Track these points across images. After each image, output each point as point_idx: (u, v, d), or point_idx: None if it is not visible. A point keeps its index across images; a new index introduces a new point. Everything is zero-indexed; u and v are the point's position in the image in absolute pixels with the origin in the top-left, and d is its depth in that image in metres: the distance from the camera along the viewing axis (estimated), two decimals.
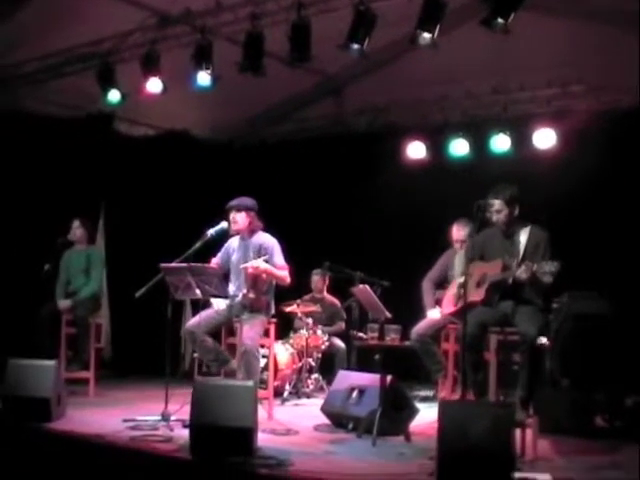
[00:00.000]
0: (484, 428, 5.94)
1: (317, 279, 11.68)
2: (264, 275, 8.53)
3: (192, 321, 8.60)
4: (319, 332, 10.78)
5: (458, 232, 9.53)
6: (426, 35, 8.12)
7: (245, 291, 8.54)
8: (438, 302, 9.25)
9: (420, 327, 9.27)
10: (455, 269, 8.49)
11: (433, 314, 9.37)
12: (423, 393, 10.07)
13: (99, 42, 10.12)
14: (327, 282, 11.68)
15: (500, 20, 7.77)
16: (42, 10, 9.58)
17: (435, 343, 9.28)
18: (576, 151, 10.64)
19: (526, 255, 7.36)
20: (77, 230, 10.37)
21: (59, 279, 10.31)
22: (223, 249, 8.94)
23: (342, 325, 11.48)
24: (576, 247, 9.96)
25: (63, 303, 10.05)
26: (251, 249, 8.67)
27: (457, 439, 5.98)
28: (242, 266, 8.52)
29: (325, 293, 11.71)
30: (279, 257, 8.66)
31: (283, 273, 8.62)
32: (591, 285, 8.96)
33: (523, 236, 7.49)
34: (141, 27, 9.78)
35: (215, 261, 8.85)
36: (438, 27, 8.06)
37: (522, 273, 7.11)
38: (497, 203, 7.52)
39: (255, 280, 8.52)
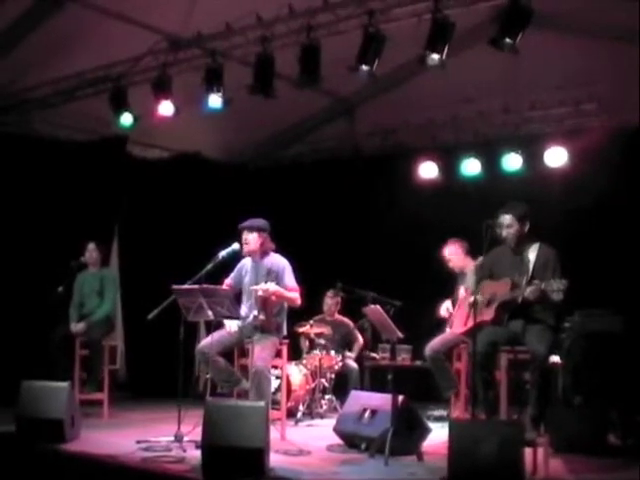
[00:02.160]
0: (494, 447, 5.95)
1: (330, 302, 11.65)
2: (274, 297, 8.54)
3: (204, 342, 8.61)
4: (332, 353, 10.79)
5: (445, 250, 9.67)
6: (435, 56, 8.14)
7: (256, 313, 8.57)
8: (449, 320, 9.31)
9: (434, 343, 9.27)
10: (465, 284, 8.56)
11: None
12: (436, 413, 10.04)
13: (111, 66, 10.19)
14: (339, 304, 11.68)
15: (508, 40, 7.80)
16: (54, 34, 9.66)
17: (447, 360, 9.28)
18: (588, 170, 10.63)
19: (535, 273, 7.38)
20: (92, 253, 10.43)
21: (72, 301, 10.36)
22: (236, 270, 8.96)
23: (360, 344, 11.43)
24: (588, 265, 9.99)
25: (76, 326, 10.09)
26: (262, 271, 8.69)
27: (467, 458, 6.00)
28: (252, 288, 8.55)
29: (336, 315, 11.69)
30: (290, 278, 8.67)
31: (293, 295, 8.63)
32: (603, 303, 8.95)
33: (532, 254, 7.52)
34: (152, 51, 9.84)
35: (227, 282, 8.87)
36: (447, 48, 8.08)
37: (531, 293, 7.14)
38: (508, 218, 7.59)
39: (265, 302, 8.54)
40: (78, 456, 7.46)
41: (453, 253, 9.69)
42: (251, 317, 8.57)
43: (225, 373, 8.52)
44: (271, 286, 8.44)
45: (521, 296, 7.24)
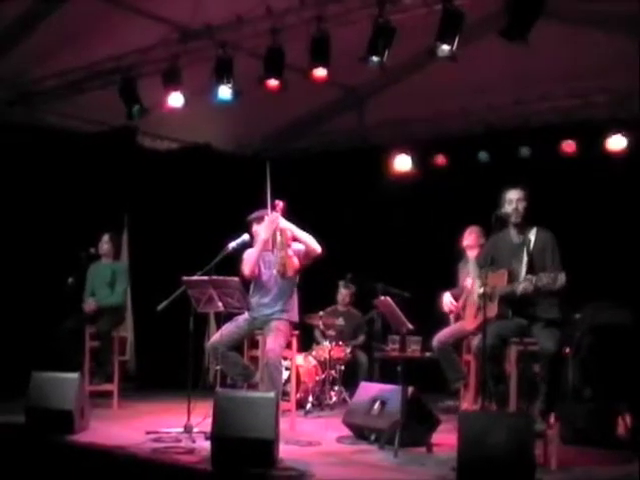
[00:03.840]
0: (503, 438, 5.95)
1: (345, 293, 11.69)
2: (288, 232, 8.51)
3: (214, 337, 8.60)
4: (342, 344, 10.81)
5: (466, 239, 9.60)
6: (445, 47, 8.12)
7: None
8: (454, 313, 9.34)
9: (442, 335, 9.27)
10: (471, 275, 8.57)
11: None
12: (446, 404, 10.05)
13: (121, 57, 10.17)
14: (354, 295, 11.70)
15: (519, 31, 7.77)
16: (63, 25, 9.65)
17: (456, 351, 9.27)
18: (599, 160, 10.63)
19: (534, 259, 7.39)
20: (105, 244, 10.50)
21: (85, 290, 10.41)
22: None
23: (364, 337, 11.49)
24: (597, 257, 9.97)
25: (88, 304, 10.15)
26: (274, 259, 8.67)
27: (477, 450, 6.01)
28: (271, 219, 8.50)
29: (350, 306, 11.72)
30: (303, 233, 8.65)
31: (310, 237, 8.59)
32: (613, 295, 8.93)
33: (531, 239, 7.53)
34: (162, 42, 9.83)
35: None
36: (457, 39, 8.06)
37: (524, 289, 7.15)
38: (519, 192, 7.59)
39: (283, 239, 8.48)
40: (87, 447, 7.49)
41: (474, 241, 9.60)
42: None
43: (238, 367, 8.53)
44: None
45: (518, 289, 7.24)
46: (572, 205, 10.59)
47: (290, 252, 8.44)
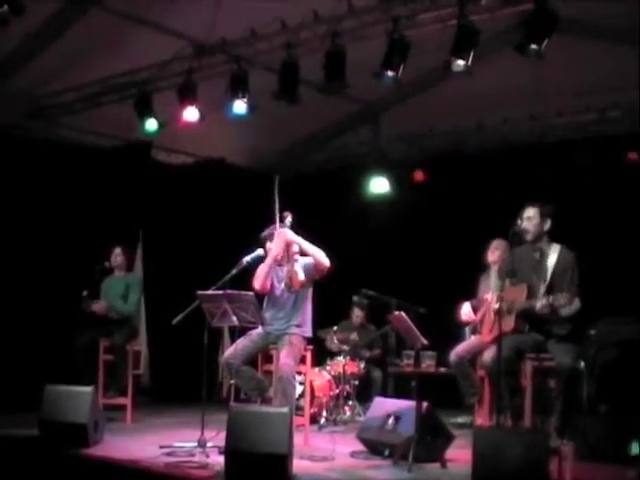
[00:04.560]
0: (518, 455, 5.92)
1: (359, 312, 11.67)
2: (295, 246, 8.42)
3: (229, 352, 8.58)
4: (356, 359, 10.80)
5: (492, 254, 9.54)
6: (460, 62, 8.13)
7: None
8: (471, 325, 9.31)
9: (459, 349, 9.24)
10: (486, 289, 8.56)
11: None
12: (460, 420, 10.02)
13: (136, 72, 10.24)
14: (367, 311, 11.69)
15: (534, 46, 7.78)
16: (79, 40, 9.71)
17: (472, 366, 9.25)
18: (615, 175, 10.62)
19: (554, 279, 7.39)
20: (118, 257, 10.50)
21: None
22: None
23: (379, 351, 11.47)
24: (611, 271, 9.94)
25: (100, 305, 10.18)
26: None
27: (491, 465, 5.97)
28: (279, 230, 8.46)
29: (363, 321, 11.70)
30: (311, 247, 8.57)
31: (319, 251, 8.49)
32: (628, 310, 8.89)
33: (552, 257, 7.54)
34: (178, 57, 9.88)
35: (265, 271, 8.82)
36: (472, 54, 8.07)
37: (541, 308, 7.17)
38: (531, 211, 7.67)
39: (288, 251, 8.41)
40: (101, 461, 7.47)
41: (500, 257, 9.54)
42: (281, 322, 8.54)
43: (253, 382, 8.48)
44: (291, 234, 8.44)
45: (537, 306, 7.24)
46: (586, 219, 10.56)
47: (297, 266, 8.38)
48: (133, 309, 10.44)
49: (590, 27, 9.50)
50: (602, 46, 9.66)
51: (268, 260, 8.52)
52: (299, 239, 8.47)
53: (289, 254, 8.40)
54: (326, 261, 8.44)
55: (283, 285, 8.51)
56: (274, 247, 8.46)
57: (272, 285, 8.73)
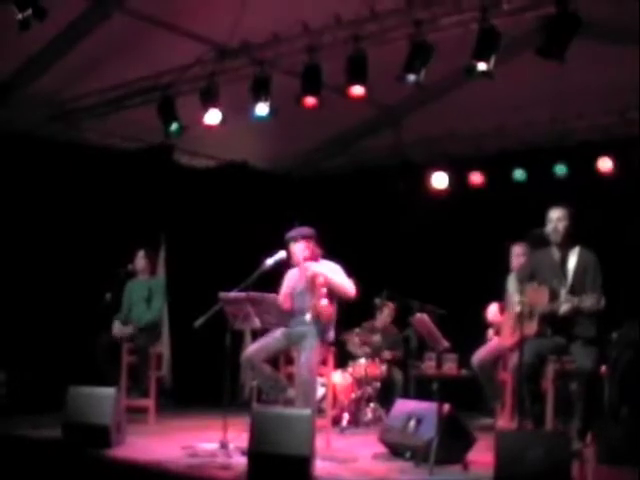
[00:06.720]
0: (540, 457, 5.93)
1: (387, 312, 11.65)
2: (321, 279, 8.48)
3: (250, 348, 8.65)
4: (378, 361, 10.81)
5: (518, 256, 9.50)
6: (482, 65, 8.13)
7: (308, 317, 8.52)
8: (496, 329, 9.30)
9: (481, 353, 9.26)
10: (509, 293, 8.54)
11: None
12: (482, 422, 10.01)
13: (159, 75, 10.26)
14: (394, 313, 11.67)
15: (555, 49, 7.76)
16: (103, 44, 9.74)
17: (494, 370, 9.26)
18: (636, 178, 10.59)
19: (575, 281, 7.39)
20: (141, 260, 10.55)
21: (121, 308, 10.48)
22: (287, 280, 9.00)
23: (401, 353, 11.45)
24: (634, 274, 9.91)
25: (121, 329, 10.20)
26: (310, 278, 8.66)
27: (513, 468, 5.98)
28: (304, 265, 8.55)
29: (389, 323, 11.70)
30: (340, 275, 8.65)
31: (344, 281, 8.58)
32: None
33: (572, 259, 7.53)
34: (200, 60, 9.90)
35: (286, 292, 8.91)
36: (494, 57, 8.06)
37: (565, 311, 7.16)
38: (560, 211, 7.60)
39: (314, 284, 8.49)
40: (124, 462, 7.52)
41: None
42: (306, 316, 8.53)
43: (271, 380, 8.53)
44: (317, 268, 8.48)
45: (559, 309, 7.24)
46: (608, 221, 10.54)
47: (324, 301, 8.43)
48: (156, 315, 10.48)
49: (610, 29, 9.47)
50: (623, 48, 9.62)
51: (284, 289, 8.80)
52: (324, 270, 8.50)
53: (314, 287, 8.44)
54: (352, 292, 8.57)
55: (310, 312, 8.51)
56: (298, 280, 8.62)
57: (291, 302, 8.83)
